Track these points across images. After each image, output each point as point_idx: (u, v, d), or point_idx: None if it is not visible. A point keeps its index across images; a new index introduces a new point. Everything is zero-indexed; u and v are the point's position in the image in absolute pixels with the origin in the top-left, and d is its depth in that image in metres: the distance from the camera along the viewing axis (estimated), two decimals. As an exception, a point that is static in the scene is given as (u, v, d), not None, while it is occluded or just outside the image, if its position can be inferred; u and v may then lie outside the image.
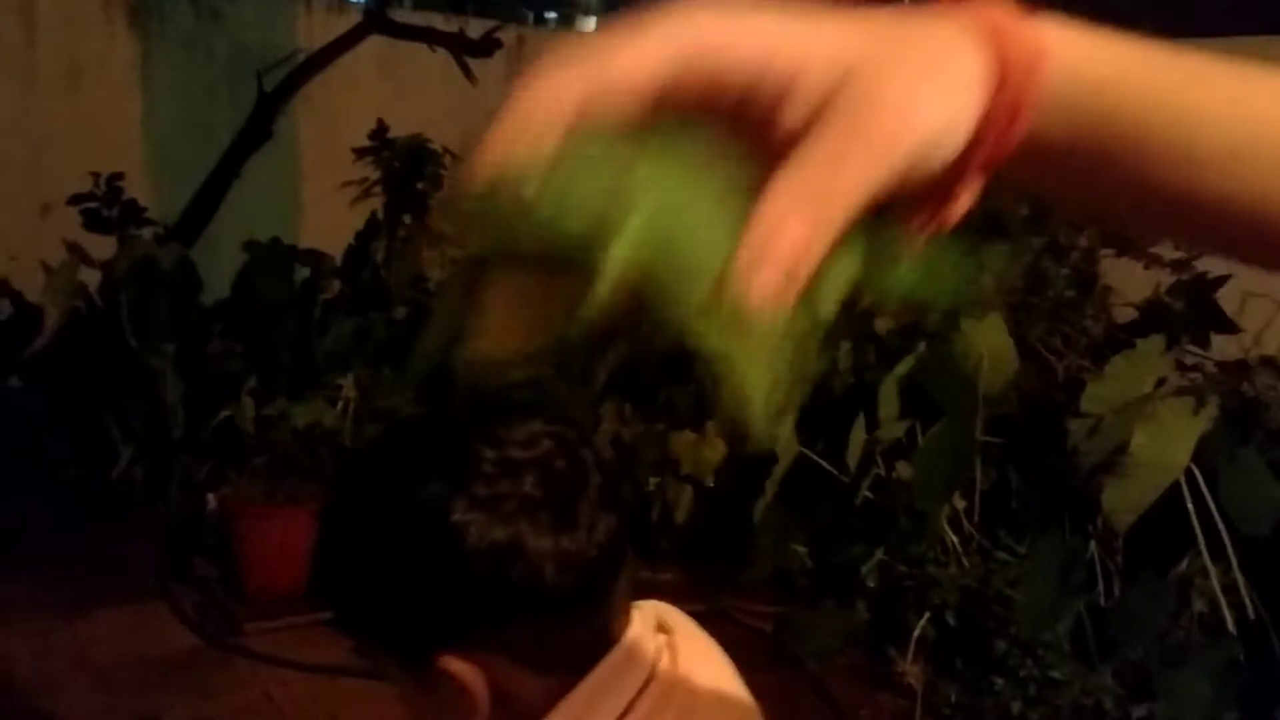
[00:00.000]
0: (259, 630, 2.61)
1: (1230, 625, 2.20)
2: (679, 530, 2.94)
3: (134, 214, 3.50)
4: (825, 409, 2.77)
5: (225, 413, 2.80)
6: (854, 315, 2.84)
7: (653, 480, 2.98)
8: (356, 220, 3.65)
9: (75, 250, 3.21)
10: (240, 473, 2.75)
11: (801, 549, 2.77)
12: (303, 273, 3.43)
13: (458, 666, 0.66)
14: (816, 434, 2.78)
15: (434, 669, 0.67)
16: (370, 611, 0.70)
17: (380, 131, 3.74)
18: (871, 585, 2.58)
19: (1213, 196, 0.39)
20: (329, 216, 3.77)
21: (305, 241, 3.66)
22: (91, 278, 3.28)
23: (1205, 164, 0.38)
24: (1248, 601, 2.22)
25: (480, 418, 0.69)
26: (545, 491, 0.67)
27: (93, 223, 3.47)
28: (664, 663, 0.72)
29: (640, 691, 0.70)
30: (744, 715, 0.76)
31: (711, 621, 0.78)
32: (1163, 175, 0.38)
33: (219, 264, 3.44)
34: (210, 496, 2.80)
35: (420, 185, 3.70)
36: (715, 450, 2.94)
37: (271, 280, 3.27)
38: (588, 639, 0.69)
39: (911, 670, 2.39)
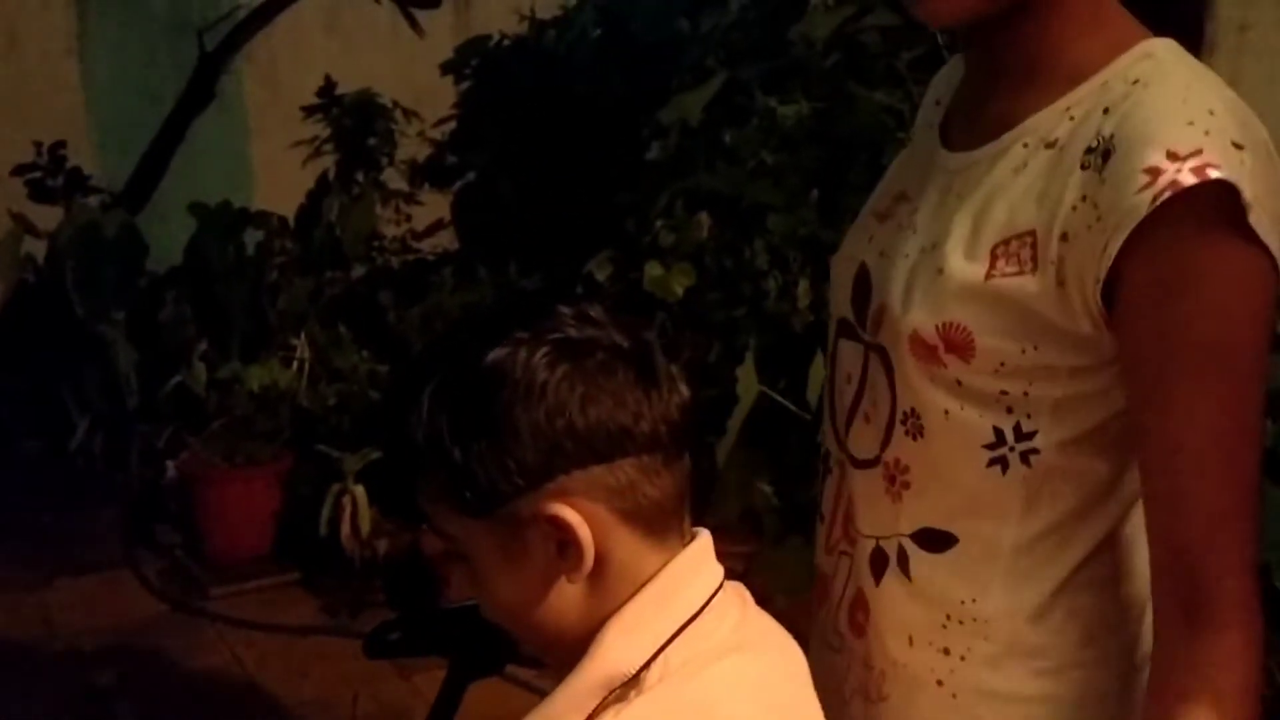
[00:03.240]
0: (224, 594, 2.60)
1: None
2: (645, 475, 2.94)
3: (79, 182, 3.44)
4: (786, 348, 2.77)
5: (178, 379, 2.76)
6: (809, 253, 2.83)
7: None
8: (308, 180, 3.60)
9: (19, 221, 3.15)
10: (198, 438, 2.72)
11: (768, 488, 2.77)
12: (255, 235, 3.38)
13: (568, 513, 0.65)
14: (778, 373, 2.77)
15: (536, 521, 0.65)
16: (467, 466, 0.66)
17: (328, 88, 3.68)
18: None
19: None
20: (280, 177, 3.71)
21: (257, 203, 3.60)
22: (38, 248, 3.22)
23: None
24: None
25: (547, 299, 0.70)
26: (630, 345, 0.67)
27: (37, 193, 3.40)
28: (730, 582, 0.73)
29: (720, 586, 0.71)
30: (794, 644, 0.77)
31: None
32: None
33: (169, 230, 3.39)
34: (169, 463, 2.77)
35: (371, 141, 3.65)
36: (678, 394, 2.93)
37: (222, 244, 3.22)
38: (674, 506, 0.69)
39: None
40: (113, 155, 3.84)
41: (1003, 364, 0.76)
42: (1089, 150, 0.72)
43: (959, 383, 0.78)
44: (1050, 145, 0.76)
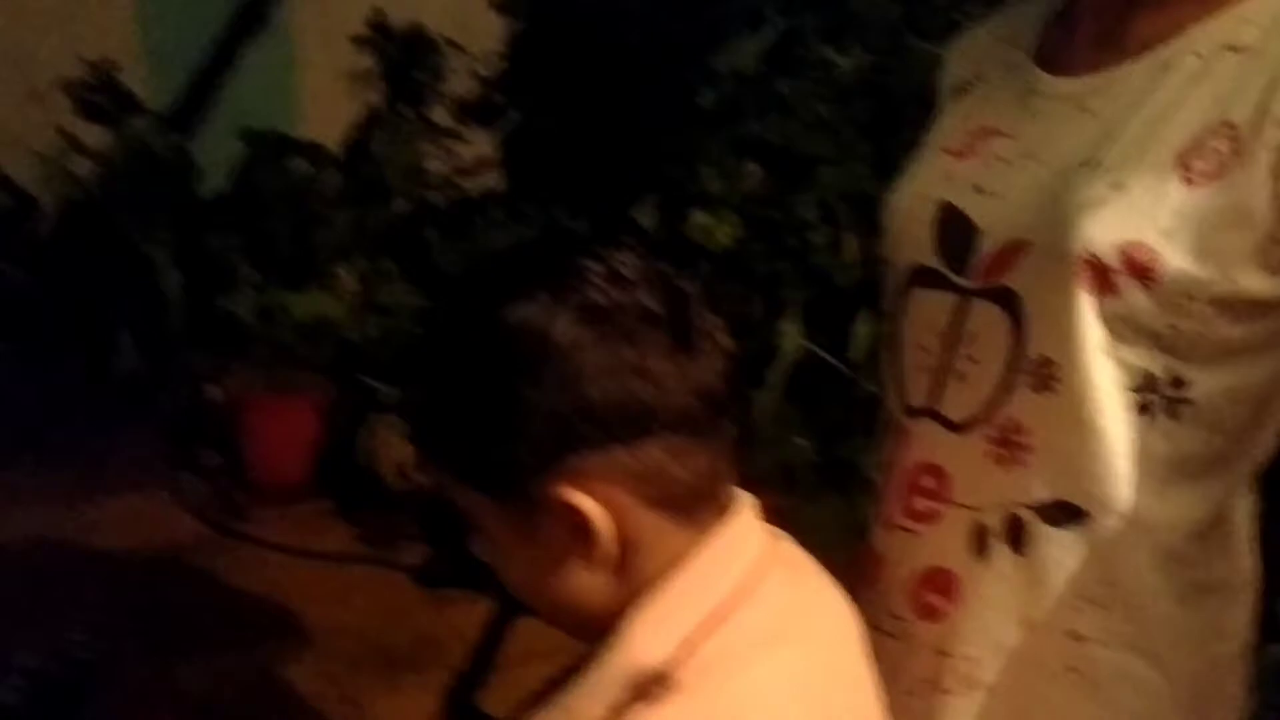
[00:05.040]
0: (265, 518, 2.62)
1: None
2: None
3: (129, 102, 3.43)
4: (830, 303, 2.75)
5: (224, 304, 2.77)
6: (859, 208, 2.80)
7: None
8: (353, 112, 3.57)
9: (68, 138, 3.15)
10: (242, 364, 2.74)
11: (806, 443, 2.77)
12: (300, 164, 3.37)
13: (582, 500, 0.60)
14: (821, 328, 2.75)
15: (548, 505, 0.60)
16: (471, 439, 0.61)
17: (378, 21, 3.64)
18: (873, 478, 2.58)
19: None
20: (326, 107, 3.69)
21: (302, 132, 3.58)
22: (85, 166, 3.21)
23: None
24: None
25: (584, 244, 0.63)
26: (662, 307, 0.60)
27: (87, 111, 3.39)
28: (776, 543, 0.69)
29: (759, 564, 0.65)
30: (845, 605, 0.72)
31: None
32: None
33: (214, 155, 3.38)
34: (212, 387, 2.78)
35: (419, 76, 3.62)
36: (719, 345, 2.93)
37: (269, 172, 3.21)
38: (709, 482, 0.63)
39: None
40: (161, 77, 3.82)
41: (1186, 294, 0.70)
42: None
43: (1126, 317, 0.72)
44: (1236, 49, 0.71)
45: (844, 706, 0.68)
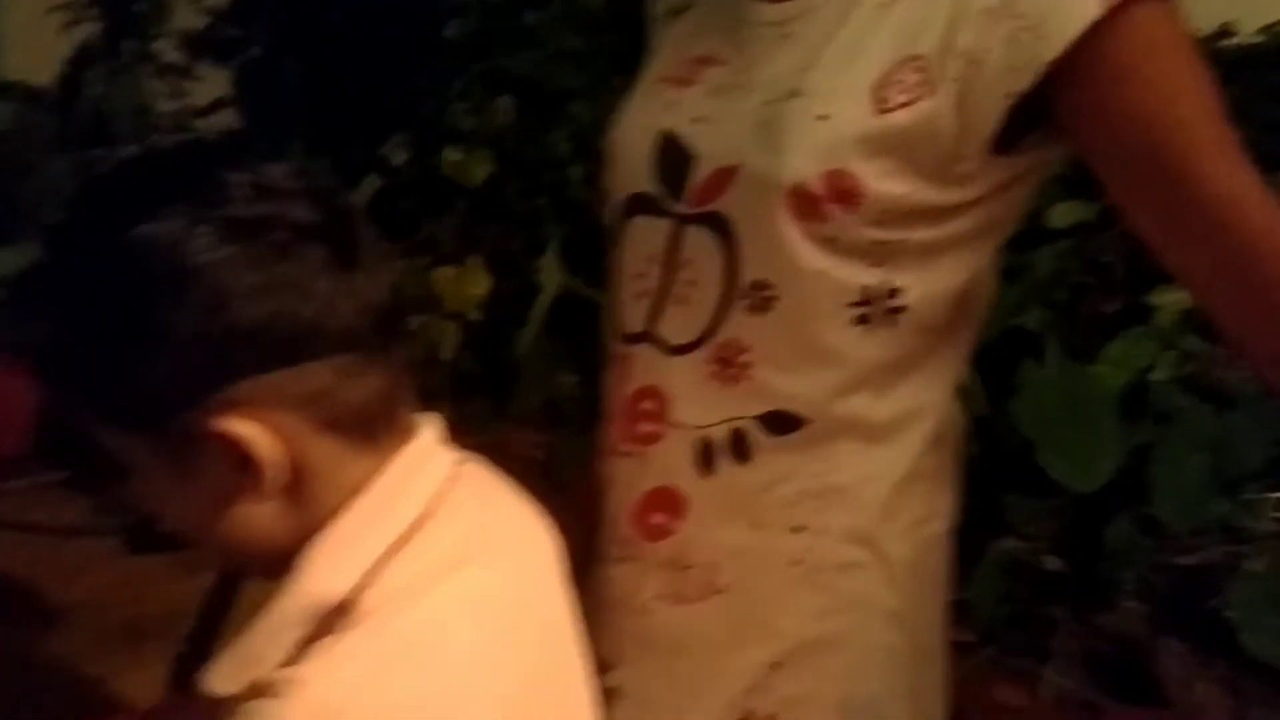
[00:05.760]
0: (-15, 496, 2.40)
1: None
2: (445, 367, 2.88)
3: None
4: (589, 238, 2.73)
5: (-84, 262, 2.48)
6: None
7: (416, 319, 2.88)
8: (64, 49, 3.27)
9: None
10: (-57, 328, 2.47)
11: (570, 377, 2.76)
12: (6, 108, 3.06)
13: (243, 428, 0.54)
14: (581, 263, 2.74)
15: (206, 438, 0.54)
16: (109, 373, 0.55)
17: (87, -54, 3.33)
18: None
19: None
20: (32, 45, 3.36)
21: (8, 74, 3.26)
22: None
23: None
24: None
25: (225, 155, 0.57)
26: (319, 219, 0.55)
27: None
28: (462, 466, 0.66)
29: (443, 487, 0.62)
30: (539, 527, 0.71)
31: (484, 454, 0.72)
32: None
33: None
34: (-91, 356, 2.50)
35: (140, 8, 3.34)
36: (478, 284, 2.86)
37: (-34, 115, 2.89)
38: (385, 405, 0.59)
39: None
40: None
41: (886, 210, 0.74)
42: None
43: (834, 239, 0.75)
44: None
45: (534, 624, 0.67)
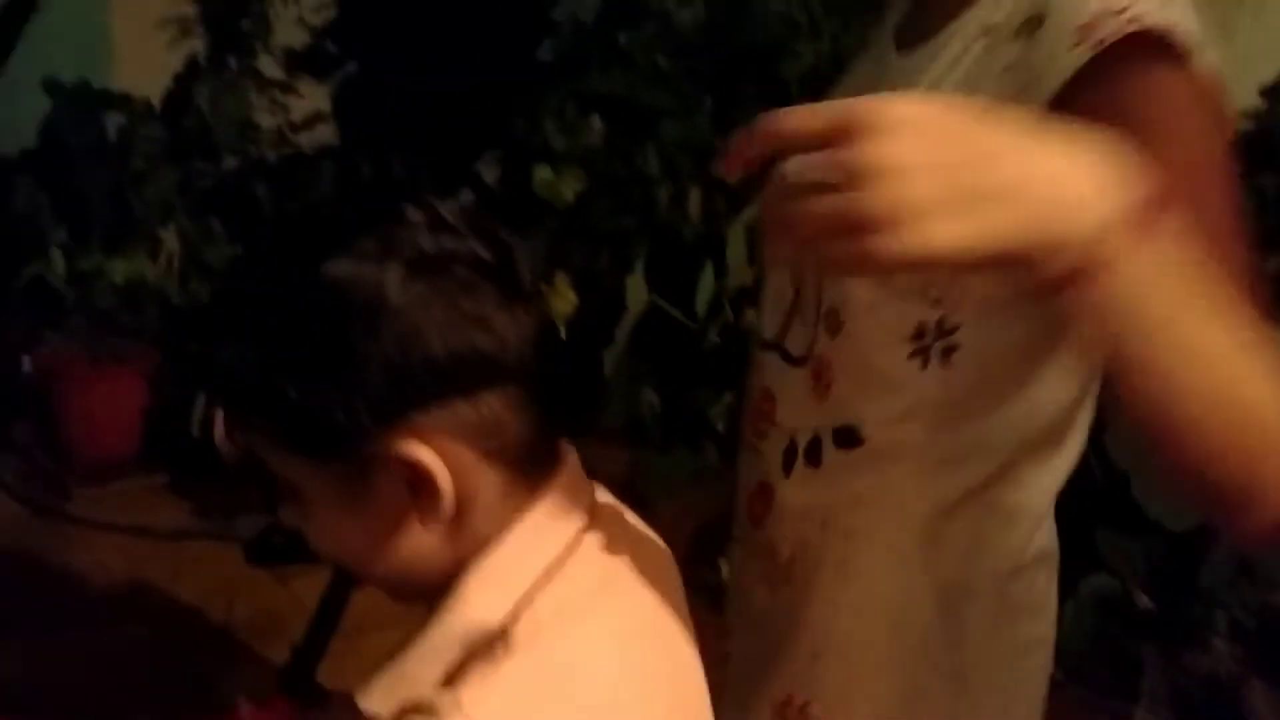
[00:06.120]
0: (89, 496, 2.49)
1: None
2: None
3: (-84, 52, 3.15)
4: (675, 257, 2.75)
5: (34, 269, 2.59)
6: (702, 162, 2.80)
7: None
8: (174, 63, 3.38)
9: None
10: (57, 332, 2.57)
11: (653, 396, 2.78)
12: (116, 119, 3.17)
13: (424, 453, 0.56)
14: (666, 282, 2.76)
15: (385, 462, 0.57)
16: (300, 402, 0.57)
17: (196, -36, 3.44)
18: (720, 428, 2.61)
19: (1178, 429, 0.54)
20: (143, 58, 3.47)
21: (117, 84, 3.37)
22: None
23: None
24: None
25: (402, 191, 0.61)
26: (491, 255, 0.58)
27: None
28: (599, 495, 0.68)
29: (591, 513, 0.65)
30: (664, 554, 0.74)
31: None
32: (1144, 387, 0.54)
33: (18, 110, 3.14)
34: (25, 358, 2.61)
35: (244, 24, 3.44)
36: (566, 302, 2.90)
37: (81, 126, 3.00)
38: (543, 436, 0.62)
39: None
40: (-46, 25, 3.53)
41: None
42: (1024, 24, 0.72)
43: (889, 279, 0.78)
44: (987, 32, 0.76)
45: (668, 654, 0.69)
